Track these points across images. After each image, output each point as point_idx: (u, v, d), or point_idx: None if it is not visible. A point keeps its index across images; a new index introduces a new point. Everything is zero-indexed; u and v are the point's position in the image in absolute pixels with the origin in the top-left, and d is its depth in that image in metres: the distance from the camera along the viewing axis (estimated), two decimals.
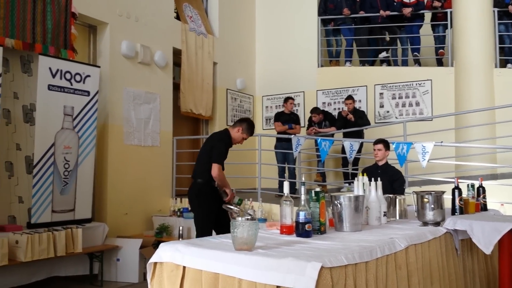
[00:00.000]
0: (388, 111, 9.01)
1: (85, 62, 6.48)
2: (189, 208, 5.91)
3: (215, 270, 2.29)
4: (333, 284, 2.09)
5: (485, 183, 4.30)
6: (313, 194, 2.91)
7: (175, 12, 8.48)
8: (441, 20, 9.02)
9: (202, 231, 4.56)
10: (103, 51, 6.84)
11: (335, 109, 9.29)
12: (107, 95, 6.71)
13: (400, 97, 8.92)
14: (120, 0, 7.01)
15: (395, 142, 6.16)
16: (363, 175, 3.62)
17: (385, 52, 9.35)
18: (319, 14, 9.72)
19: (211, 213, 4.68)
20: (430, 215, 3.40)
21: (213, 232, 4.70)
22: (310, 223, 2.78)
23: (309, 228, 2.77)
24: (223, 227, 4.59)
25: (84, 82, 6.00)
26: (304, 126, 8.86)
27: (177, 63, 8.28)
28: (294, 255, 2.18)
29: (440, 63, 9.15)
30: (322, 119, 8.26)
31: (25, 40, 5.56)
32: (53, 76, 5.65)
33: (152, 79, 7.53)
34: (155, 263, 2.59)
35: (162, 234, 6.67)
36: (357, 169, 7.86)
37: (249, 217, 2.48)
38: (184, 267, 2.44)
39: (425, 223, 3.42)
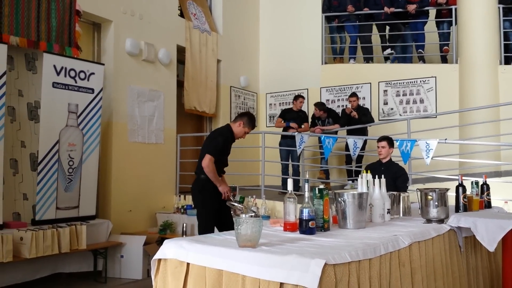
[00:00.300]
0: (392, 108, 8.99)
1: (90, 60, 6.50)
2: (193, 206, 5.92)
3: (219, 266, 2.30)
4: (337, 281, 2.09)
5: (489, 181, 4.29)
6: (316, 191, 2.91)
7: (179, 9, 8.47)
8: (446, 17, 8.99)
9: (205, 227, 4.57)
10: (108, 48, 6.85)
11: (339, 106, 9.28)
12: (112, 92, 6.73)
13: (404, 94, 8.90)
14: None
15: (399, 139, 6.15)
16: (366, 172, 3.62)
17: (389, 49, 9.32)
18: (323, 11, 9.70)
19: (214, 209, 4.69)
20: (434, 212, 3.40)
21: (215, 229, 4.71)
22: (314, 220, 2.79)
23: (313, 225, 2.77)
24: (225, 224, 4.60)
25: (88, 80, 6.02)
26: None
27: (181, 61, 8.28)
28: (298, 252, 2.19)
29: (444, 60, 9.12)
30: (325, 117, 8.25)
31: (29, 37, 5.58)
32: (58, 73, 5.67)
33: (156, 77, 7.54)
34: (159, 260, 2.61)
35: (166, 231, 6.69)
36: (360, 167, 7.85)
37: (252, 214, 2.49)
38: (188, 264, 2.45)
39: (429, 220, 3.42)
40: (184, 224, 6.62)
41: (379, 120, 8.90)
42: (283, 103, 10.02)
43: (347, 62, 9.65)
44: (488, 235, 3.28)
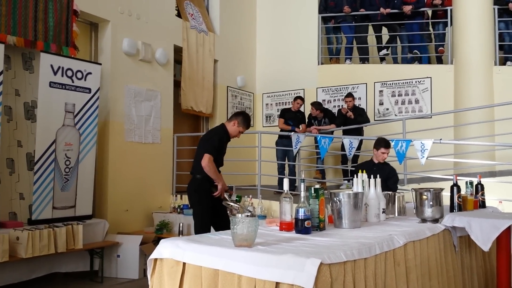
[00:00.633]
0: (387, 109, 9.03)
1: (87, 60, 6.49)
2: (189, 205, 5.92)
3: (215, 266, 2.32)
4: (332, 280, 2.11)
5: (483, 181, 4.32)
6: (312, 191, 2.93)
7: (176, 9, 8.49)
8: (441, 18, 9.03)
9: (201, 227, 4.57)
10: (105, 48, 6.86)
11: (335, 106, 9.31)
12: (108, 92, 6.73)
13: (400, 95, 8.94)
14: None
15: (394, 139, 6.18)
16: (362, 172, 3.64)
17: (385, 49, 9.36)
18: (320, 11, 9.73)
19: (210, 209, 4.68)
20: (428, 212, 3.42)
21: (211, 228, 4.71)
22: (310, 219, 2.81)
23: (309, 224, 2.79)
24: (221, 224, 4.60)
25: (85, 79, 6.02)
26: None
27: (178, 61, 8.30)
28: (294, 252, 2.21)
29: (439, 60, 9.16)
30: (322, 117, 8.27)
31: (26, 37, 5.58)
32: (55, 73, 5.67)
33: (153, 77, 7.55)
34: (155, 259, 2.62)
35: (162, 231, 6.70)
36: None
37: (249, 214, 2.51)
38: (184, 264, 2.47)
39: (424, 220, 3.45)
40: (181, 224, 6.64)
41: (374, 120, 8.93)
42: (279, 103, 10.05)
43: (343, 62, 9.68)
44: (483, 234, 3.31)
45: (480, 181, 4.26)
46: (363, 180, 3.57)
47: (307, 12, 9.88)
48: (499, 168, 7.46)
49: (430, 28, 9.41)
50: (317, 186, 2.98)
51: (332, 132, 8.14)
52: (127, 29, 7.07)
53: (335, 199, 3.11)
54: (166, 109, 7.79)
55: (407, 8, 8.98)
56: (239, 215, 2.46)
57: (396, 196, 3.89)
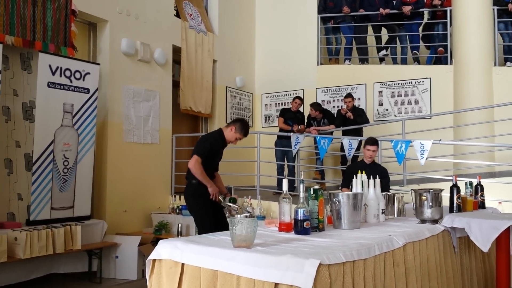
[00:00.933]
0: (387, 109, 9.02)
1: (85, 60, 6.48)
2: (189, 210, 5.89)
3: (214, 267, 2.31)
4: (331, 281, 2.10)
5: (483, 181, 4.31)
6: (311, 192, 2.92)
7: (175, 9, 8.47)
8: (441, 19, 9.02)
9: (205, 229, 4.54)
10: (103, 48, 6.84)
11: (334, 107, 9.30)
12: (107, 92, 6.72)
13: (399, 95, 8.93)
14: None
15: (394, 140, 6.17)
16: (362, 172, 3.63)
17: (384, 50, 9.35)
18: (319, 12, 9.72)
19: (210, 213, 4.67)
20: (428, 212, 3.42)
21: None
22: (309, 220, 2.80)
23: (308, 225, 2.78)
24: (219, 226, 4.57)
25: (83, 80, 6.01)
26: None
27: (176, 61, 8.28)
28: (293, 252, 2.20)
29: (439, 61, 9.16)
30: (321, 117, 8.27)
31: (25, 37, 5.56)
32: (53, 73, 5.66)
33: (151, 77, 7.53)
34: (154, 260, 2.61)
35: (161, 232, 6.68)
36: None
37: (248, 215, 2.50)
38: (182, 264, 2.46)
39: (423, 221, 3.44)
40: (179, 225, 6.62)
41: (374, 121, 8.92)
42: (278, 103, 10.03)
43: (343, 63, 9.67)
44: (482, 235, 3.30)
45: (479, 182, 4.26)
46: (362, 181, 3.56)
47: (306, 12, 9.87)
48: (499, 168, 7.46)
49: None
50: (316, 186, 2.97)
51: (331, 133, 8.14)
52: (125, 29, 7.06)
53: (334, 199, 3.10)
54: (164, 110, 7.77)
55: (407, 9, 8.97)
56: (238, 215, 2.44)
57: (395, 197, 3.88)
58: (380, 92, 9.10)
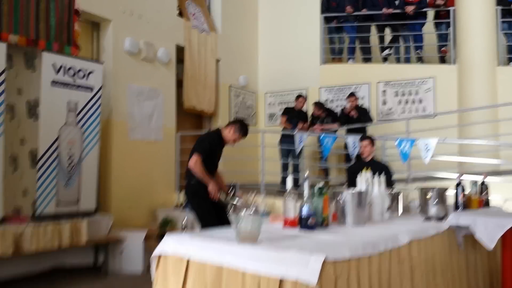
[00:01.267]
0: (390, 108, 9.00)
1: (89, 58, 6.48)
2: (190, 209, 5.87)
3: (219, 262, 2.30)
4: (336, 277, 2.09)
5: (488, 180, 4.30)
6: (316, 189, 2.92)
7: (178, 9, 8.48)
8: (444, 18, 9.00)
9: (207, 225, 4.54)
10: (106, 47, 6.86)
11: (337, 106, 9.29)
12: (111, 91, 6.73)
13: (403, 95, 8.91)
14: None
15: (399, 138, 6.16)
16: (366, 169, 3.62)
17: (388, 49, 9.34)
18: (322, 11, 9.71)
19: (212, 210, 4.64)
20: (433, 210, 3.41)
21: None
22: (314, 217, 2.79)
23: (312, 222, 2.78)
24: (220, 223, 4.55)
25: (87, 78, 6.01)
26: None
27: (180, 60, 8.29)
28: (298, 248, 2.19)
29: (443, 61, 9.14)
30: (324, 116, 8.26)
31: (28, 36, 5.57)
32: (57, 72, 5.66)
33: (155, 76, 7.55)
34: (159, 256, 2.61)
35: (166, 227, 6.68)
36: None
37: (253, 210, 2.49)
38: (188, 260, 2.45)
39: (428, 218, 3.43)
40: (185, 220, 6.60)
41: (377, 120, 8.91)
42: (282, 102, 10.02)
43: (346, 62, 9.66)
44: (487, 233, 3.29)
45: (484, 180, 4.24)
46: (367, 179, 3.55)
47: (309, 11, 9.86)
48: (504, 167, 7.43)
49: (433, 29, 9.37)
50: (321, 184, 2.97)
51: (335, 132, 8.13)
52: (128, 29, 7.07)
53: (339, 197, 3.09)
54: (168, 108, 7.79)
55: (410, 9, 8.95)
56: (244, 211, 2.44)
57: (400, 195, 3.87)
58: (384, 91, 9.08)
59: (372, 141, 5.44)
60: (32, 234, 4.91)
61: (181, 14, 8.50)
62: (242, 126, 4.74)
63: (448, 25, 8.91)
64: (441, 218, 3.42)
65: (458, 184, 3.80)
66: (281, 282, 2.08)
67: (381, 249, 2.49)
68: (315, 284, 1.97)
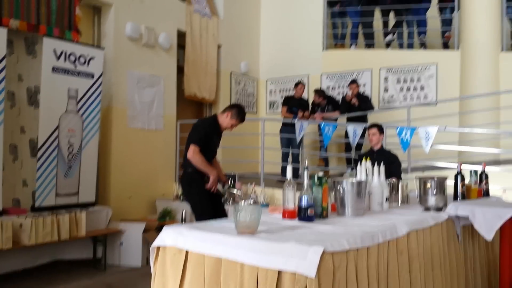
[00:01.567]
0: (392, 96, 8.97)
1: (90, 44, 6.44)
2: (185, 198, 5.83)
3: (218, 254, 2.31)
4: (335, 268, 2.10)
5: (488, 169, 4.29)
6: (316, 179, 2.91)
7: None
8: (448, 2, 8.91)
9: (202, 217, 4.49)
10: (108, 32, 6.80)
11: (339, 93, 9.26)
12: (111, 77, 6.70)
13: (405, 81, 8.87)
14: None
15: (399, 127, 6.14)
16: (366, 159, 3.62)
17: (390, 35, 9.27)
18: None
19: (208, 199, 4.57)
20: (432, 200, 3.41)
21: None
22: (313, 207, 2.80)
23: (312, 212, 2.78)
24: (215, 213, 4.52)
25: (88, 65, 5.98)
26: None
27: (181, 46, 8.23)
28: (296, 240, 2.20)
29: (446, 47, 9.08)
30: (325, 104, 8.23)
31: (29, 21, 5.53)
32: (58, 58, 5.63)
33: (156, 62, 7.50)
34: (158, 247, 2.62)
35: (165, 218, 6.67)
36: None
37: (252, 201, 2.49)
38: (186, 251, 2.46)
39: (427, 209, 3.44)
40: (184, 211, 6.63)
41: (379, 107, 8.88)
42: (283, 89, 9.99)
43: (348, 47, 9.60)
44: (486, 224, 3.29)
45: (484, 169, 4.24)
46: (366, 168, 3.54)
47: None
48: (504, 156, 7.43)
49: (437, 13, 9.29)
50: (321, 174, 2.97)
51: (336, 120, 8.11)
52: (130, 13, 7.01)
53: (338, 187, 3.10)
54: (169, 95, 7.76)
55: None
56: (242, 202, 2.44)
57: (399, 185, 3.87)
58: (386, 78, 9.03)
59: (380, 128, 5.38)
60: (32, 226, 4.88)
61: None
62: (239, 111, 4.64)
63: (452, 9, 8.82)
64: (440, 208, 3.43)
65: (457, 174, 3.79)
66: (279, 273, 2.09)
67: (379, 240, 2.50)
68: (314, 276, 1.98)
